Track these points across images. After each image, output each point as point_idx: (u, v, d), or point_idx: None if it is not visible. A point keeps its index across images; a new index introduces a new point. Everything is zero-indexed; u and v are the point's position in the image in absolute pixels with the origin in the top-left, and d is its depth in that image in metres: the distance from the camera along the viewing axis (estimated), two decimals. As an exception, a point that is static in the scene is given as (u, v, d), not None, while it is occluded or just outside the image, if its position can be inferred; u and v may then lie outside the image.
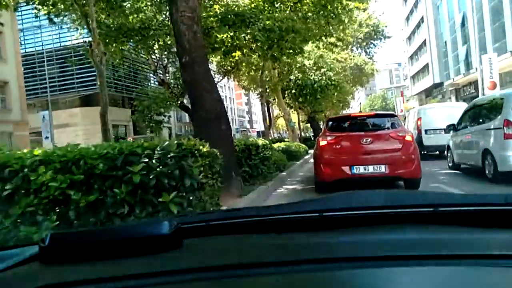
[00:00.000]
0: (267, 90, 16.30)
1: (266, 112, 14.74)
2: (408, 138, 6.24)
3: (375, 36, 30.99)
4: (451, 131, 9.23)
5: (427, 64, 41.28)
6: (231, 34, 10.99)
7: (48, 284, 0.64)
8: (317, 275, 0.62)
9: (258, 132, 54.17)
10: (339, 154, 6.19)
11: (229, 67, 17.41)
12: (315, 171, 6.58)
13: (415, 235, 0.77)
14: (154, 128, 21.11)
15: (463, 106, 11.04)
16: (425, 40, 41.57)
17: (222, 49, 10.93)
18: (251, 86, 18.04)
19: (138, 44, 13.39)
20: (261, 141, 6.67)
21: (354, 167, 6.00)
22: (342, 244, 0.75)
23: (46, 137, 24.03)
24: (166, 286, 0.63)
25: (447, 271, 0.60)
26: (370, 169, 5.94)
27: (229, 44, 11.17)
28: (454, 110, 10.95)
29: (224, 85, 72.43)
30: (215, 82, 5.32)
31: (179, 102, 17.79)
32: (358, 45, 31.13)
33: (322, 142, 6.51)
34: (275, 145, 13.01)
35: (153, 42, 12.21)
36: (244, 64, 12.21)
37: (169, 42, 12.46)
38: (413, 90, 51.32)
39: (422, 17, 41.34)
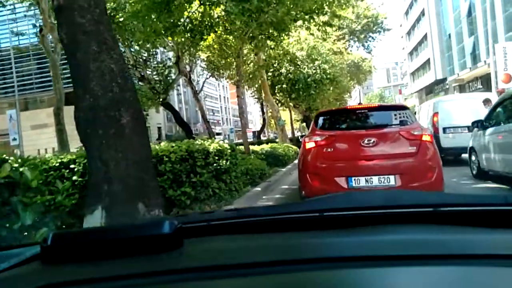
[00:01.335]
0: (248, 78, 14.07)
1: (244, 106, 12.63)
2: (426, 137, 4.52)
3: (374, 29, 28.97)
4: (476, 129, 7.13)
5: (428, 60, 39.19)
6: (200, 10, 8.79)
7: (49, 283, 0.64)
8: (318, 275, 0.62)
9: (253, 132, 52.18)
10: (332, 161, 4.49)
11: (218, 64, 15.47)
12: (300, 183, 4.86)
13: (416, 235, 0.77)
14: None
15: (492, 97, 8.83)
16: (426, 35, 39.48)
17: (188, 27, 8.65)
18: (224, 74, 15.78)
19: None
20: (213, 145, 4.34)
21: (352, 178, 4.34)
22: (342, 244, 0.74)
23: (14, 139, 22.05)
24: (167, 285, 0.62)
25: (447, 271, 0.60)
26: (375, 181, 4.34)
27: (197, 22, 8.93)
28: (480, 102, 8.70)
29: (218, 84, 70.35)
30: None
31: (160, 99, 16.52)
32: (356, 38, 29.05)
33: (309, 144, 4.68)
34: (258, 148, 10.82)
35: (135, 35, 9.92)
36: (216, 46, 9.95)
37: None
38: (412, 88, 49.25)
39: (423, 10, 39.24)
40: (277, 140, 19.72)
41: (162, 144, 4.28)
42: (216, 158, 4.29)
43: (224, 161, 4.34)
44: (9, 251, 0.89)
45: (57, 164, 3.82)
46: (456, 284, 0.57)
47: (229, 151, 4.55)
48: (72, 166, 3.83)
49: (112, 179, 2.83)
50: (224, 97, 74.94)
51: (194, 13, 8.84)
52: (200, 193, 4.06)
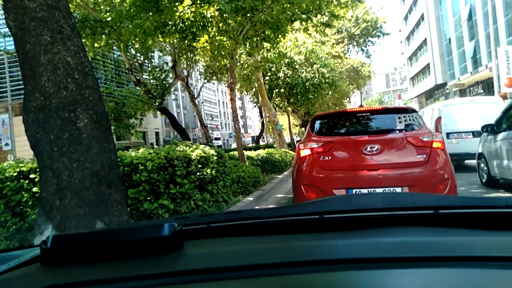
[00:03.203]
0: (242, 79, 13.65)
1: (238, 109, 12.19)
2: (436, 144, 4.00)
3: (373, 33, 28.62)
4: (486, 134, 6.71)
5: (428, 64, 38.86)
6: (192, 9, 8.37)
7: (49, 285, 0.63)
8: (318, 277, 0.61)
9: (252, 137, 51.87)
10: (330, 171, 3.97)
11: (214, 69, 15.14)
12: (293, 195, 4.38)
13: (416, 237, 0.76)
14: (122, 133, 18.69)
15: (500, 101, 8.38)
16: (425, 39, 39.19)
17: (179, 27, 8.22)
18: (221, 78, 15.37)
19: (108, 40, 10.83)
20: (196, 152, 3.83)
21: (353, 191, 3.83)
22: (342, 246, 0.74)
23: (6, 144, 21.63)
24: (167, 287, 0.62)
25: (447, 273, 0.60)
26: None
27: (189, 22, 8.51)
28: (487, 107, 8.27)
29: (217, 89, 69.99)
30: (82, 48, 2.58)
31: (156, 104, 16.21)
32: (355, 43, 28.70)
33: (304, 152, 4.15)
34: (254, 154, 10.35)
35: (123, 35, 9.49)
36: (208, 47, 9.53)
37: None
38: (412, 93, 48.90)
39: (422, 15, 38.97)
40: (275, 145, 19.27)
41: (140, 150, 3.82)
42: (200, 166, 3.80)
43: (209, 170, 3.85)
44: (9, 253, 0.89)
45: (15, 174, 3.36)
46: (456, 286, 0.56)
47: (215, 158, 4.07)
48: (32, 176, 3.37)
49: (65, 193, 2.36)
50: (223, 102, 74.59)
51: (185, 13, 8.42)
52: (181, 206, 3.55)
